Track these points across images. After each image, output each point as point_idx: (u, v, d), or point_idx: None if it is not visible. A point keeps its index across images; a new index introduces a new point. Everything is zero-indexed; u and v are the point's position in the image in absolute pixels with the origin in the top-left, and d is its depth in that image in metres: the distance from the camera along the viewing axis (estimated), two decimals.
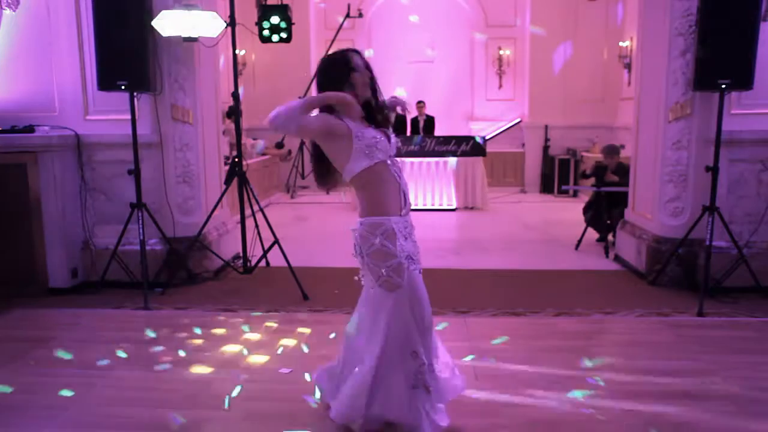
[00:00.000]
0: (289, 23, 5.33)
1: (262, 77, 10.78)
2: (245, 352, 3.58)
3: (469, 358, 3.43)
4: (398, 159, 2.60)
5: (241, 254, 5.07)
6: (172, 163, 4.93)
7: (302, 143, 10.32)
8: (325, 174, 2.61)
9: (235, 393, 3.03)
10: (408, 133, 9.86)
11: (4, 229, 4.65)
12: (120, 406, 2.92)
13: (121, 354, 3.54)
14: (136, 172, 4.53)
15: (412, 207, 2.70)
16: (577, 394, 2.99)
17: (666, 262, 4.83)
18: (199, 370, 3.33)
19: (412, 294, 2.45)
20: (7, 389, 3.08)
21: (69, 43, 4.79)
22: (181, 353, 3.55)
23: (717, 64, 4.25)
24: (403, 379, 2.45)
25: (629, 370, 3.29)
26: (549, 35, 10.31)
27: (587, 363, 3.35)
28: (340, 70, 2.49)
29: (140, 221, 4.49)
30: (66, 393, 3.04)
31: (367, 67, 2.54)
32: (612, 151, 6.48)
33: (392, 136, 2.58)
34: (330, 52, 2.66)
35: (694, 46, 4.45)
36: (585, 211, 6.50)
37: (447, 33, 11.02)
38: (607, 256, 5.88)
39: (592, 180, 6.56)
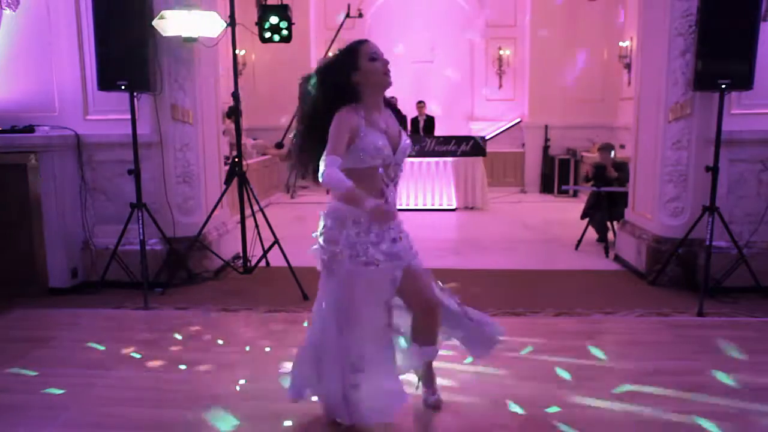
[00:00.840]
0: (289, 23, 5.31)
1: (262, 77, 10.78)
2: (245, 352, 3.57)
3: (468, 359, 3.43)
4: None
5: (241, 254, 5.07)
6: (172, 163, 4.93)
7: None
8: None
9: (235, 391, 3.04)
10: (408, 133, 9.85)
11: (4, 229, 4.65)
12: (120, 406, 2.92)
13: (121, 354, 3.54)
14: (136, 172, 4.53)
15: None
16: (577, 395, 2.99)
17: (666, 262, 4.83)
18: (200, 370, 3.33)
19: (347, 287, 2.45)
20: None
21: (69, 43, 4.79)
22: (181, 353, 3.55)
23: (717, 64, 4.24)
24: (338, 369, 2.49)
25: (629, 370, 3.29)
26: (549, 35, 10.31)
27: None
28: (349, 60, 2.48)
29: (140, 221, 4.49)
30: (66, 393, 3.04)
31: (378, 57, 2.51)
32: (606, 147, 6.51)
33: (404, 140, 2.58)
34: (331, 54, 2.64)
35: (694, 46, 4.46)
36: (584, 214, 6.47)
37: (447, 33, 11.02)
38: (607, 256, 5.88)
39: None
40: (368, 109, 2.50)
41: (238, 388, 3.10)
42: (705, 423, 2.73)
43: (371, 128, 2.46)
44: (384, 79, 2.49)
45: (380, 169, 2.48)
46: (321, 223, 2.54)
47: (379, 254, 2.47)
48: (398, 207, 8.04)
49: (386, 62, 2.49)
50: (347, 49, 2.52)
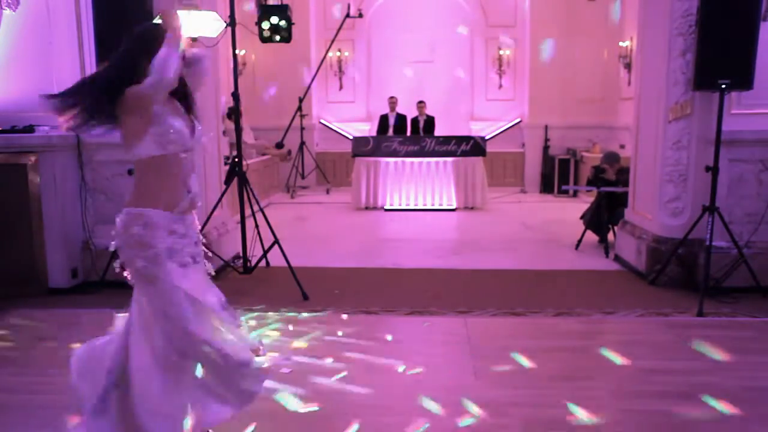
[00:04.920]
0: (289, 23, 5.33)
1: (262, 77, 10.79)
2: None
3: (468, 359, 3.43)
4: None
5: (241, 254, 5.07)
6: None
7: (302, 144, 10.34)
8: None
9: None
10: (408, 133, 9.86)
11: (4, 229, 4.65)
12: None
13: None
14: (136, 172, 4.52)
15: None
16: (577, 395, 2.99)
17: (666, 262, 4.83)
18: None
19: (169, 291, 2.26)
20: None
21: (69, 43, 4.79)
22: None
23: (717, 64, 4.25)
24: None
25: (629, 370, 3.29)
26: (549, 35, 10.30)
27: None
28: (148, 48, 2.21)
29: None
30: (66, 393, 3.04)
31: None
32: (612, 159, 6.49)
33: (198, 126, 2.37)
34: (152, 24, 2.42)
35: (694, 46, 4.46)
36: (583, 216, 6.47)
37: (447, 33, 11.03)
38: (607, 256, 5.88)
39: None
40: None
41: None
42: (705, 423, 2.73)
43: (165, 109, 2.25)
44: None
45: (182, 154, 2.30)
46: (125, 232, 2.24)
47: (188, 257, 2.33)
48: (398, 207, 8.04)
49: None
50: (152, 33, 2.28)
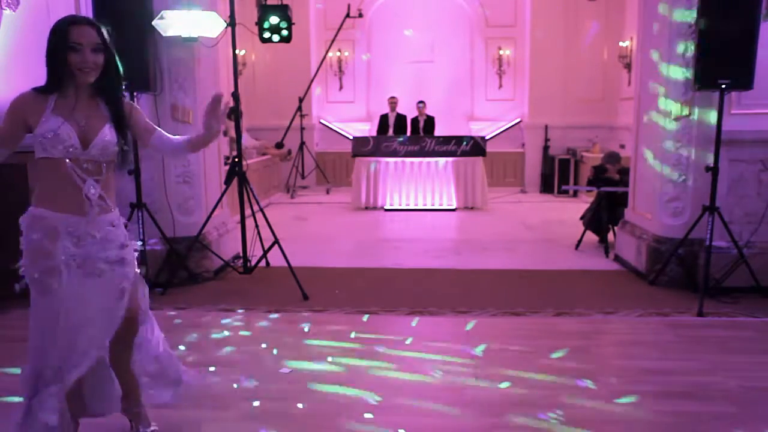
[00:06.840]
0: (289, 23, 5.33)
1: (262, 77, 10.79)
2: (245, 352, 3.57)
3: (468, 359, 3.43)
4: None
5: (241, 254, 5.07)
6: (172, 163, 4.93)
7: (302, 144, 10.34)
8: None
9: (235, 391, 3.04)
10: (408, 133, 9.86)
11: (3, 228, 4.64)
12: None
13: None
14: (136, 172, 4.53)
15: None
16: (577, 395, 2.99)
17: (666, 262, 4.83)
18: (199, 370, 3.33)
19: (67, 302, 2.26)
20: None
21: None
22: (180, 353, 3.55)
23: (717, 64, 4.25)
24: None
25: (629, 370, 3.29)
26: (549, 35, 10.31)
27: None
28: (57, 44, 2.22)
29: (140, 221, 4.49)
30: None
31: (103, 45, 2.26)
32: (613, 158, 6.49)
33: (102, 136, 2.23)
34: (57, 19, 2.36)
35: (694, 46, 4.46)
36: (583, 216, 6.47)
37: (447, 33, 11.03)
38: (607, 256, 5.88)
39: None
40: (65, 96, 2.23)
41: (236, 386, 3.10)
42: (704, 423, 2.73)
43: (57, 115, 2.19)
44: (78, 75, 2.20)
45: (68, 161, 2.18)
46: (24, 237, 2.31)
47: (103, 263, 2.27)
48: (398, 207, 8.01)
49: (86, 58, 2.20)
50: (58, 28, 2.27)
